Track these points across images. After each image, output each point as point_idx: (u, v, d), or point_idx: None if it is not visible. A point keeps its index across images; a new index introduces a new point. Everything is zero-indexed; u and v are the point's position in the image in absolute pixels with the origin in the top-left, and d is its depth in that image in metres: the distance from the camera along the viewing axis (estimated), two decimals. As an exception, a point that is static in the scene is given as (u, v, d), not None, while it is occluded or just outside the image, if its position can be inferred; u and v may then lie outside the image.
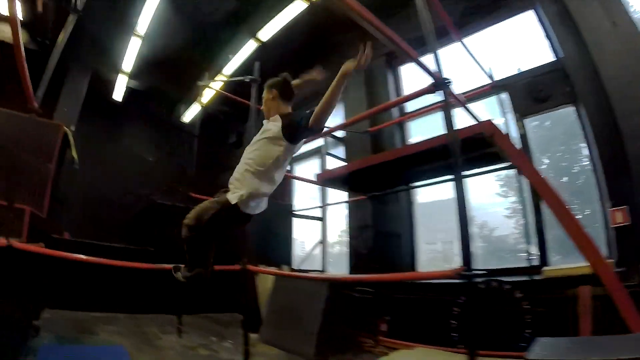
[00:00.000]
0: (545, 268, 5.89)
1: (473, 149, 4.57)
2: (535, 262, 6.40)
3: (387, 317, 7.00)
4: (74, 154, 8.27)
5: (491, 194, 7.76)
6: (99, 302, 7.96)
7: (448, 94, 3.51)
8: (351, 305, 6.93)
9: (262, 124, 4.00)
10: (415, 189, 7.87)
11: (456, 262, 7.55)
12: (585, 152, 6.51)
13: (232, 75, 9.92)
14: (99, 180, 11.86)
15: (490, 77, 7.00)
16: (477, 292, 5.29)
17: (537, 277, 5.81)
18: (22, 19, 9.65)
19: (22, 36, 9.27)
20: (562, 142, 7.04)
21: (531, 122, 7.04)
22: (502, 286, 5.55)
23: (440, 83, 3.33)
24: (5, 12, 9.19)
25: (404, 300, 6.75)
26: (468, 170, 5.96)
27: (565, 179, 7.06)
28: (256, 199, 3.73)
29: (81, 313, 7.62)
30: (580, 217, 6.41)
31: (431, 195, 8.36)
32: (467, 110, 4.19)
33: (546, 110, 6.82)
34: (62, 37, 5.12)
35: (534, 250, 6.45)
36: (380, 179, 6.54)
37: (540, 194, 3.94)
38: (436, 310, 6.22)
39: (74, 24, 5.30)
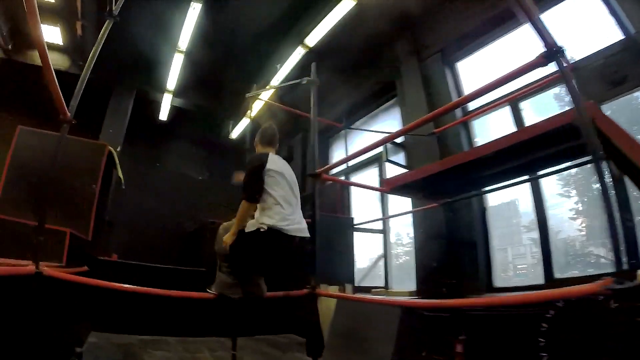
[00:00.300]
0: None
1: (562, 141, 3.86)
2: (625, 267, 5.55)
3: (463, 336, 6.25)
4: (120, 174, 7.91)
5: (550, 195, 6.80)
6: (147, 324, 7.60)
7: (563, 63, 2.67)
8: (424, 325, 6.23)
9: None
10: (487, 194, 7.12)
11: (511, 270, 7.06)
12: None
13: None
14: (147, 201, 11.61)
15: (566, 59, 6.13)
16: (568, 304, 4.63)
17: (631, 284, 4.98)
18: (62, 44, 9.91)
19: (64, 61, 9.32)
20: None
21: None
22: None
23: (553, 52, 2.57)
24: (48, 39, 9.37)
25: (481, 317, 5.98)
26: (546, 167, 5.45)
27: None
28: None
29: (129, 337, 7.25)
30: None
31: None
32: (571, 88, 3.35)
33: (625, 93, 5.86)
34: (95, 50, 4.68)
35: (616, 252, 5.60)
36: (454, 184, 5.85)
37: None
38: (519, 326, 5.45)
39: (107, 32, 4.87)
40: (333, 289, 7.43)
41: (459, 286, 6.77)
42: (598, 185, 6.03)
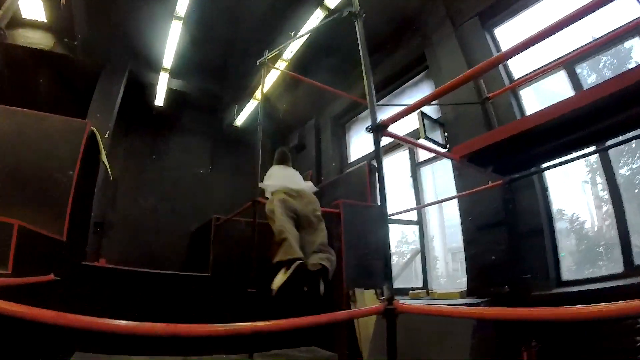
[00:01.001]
0: None
1: None
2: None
3: (534, 343, 5.01)
4: (105, 160, 6.68)
5: (574, 183, 6.13)
6: (143, 343, 6.07)
7: None
8: (493, 333, 4.95)
9: None
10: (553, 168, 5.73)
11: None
12: None
13: (296, 56, 8.29)
14: (144, 199, 10.79)
15: None
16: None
17: None
18: (45, 21, 8.90)
19: (48, 40, 8.28)
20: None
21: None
22: None
23: None
24: (31, 16, 8.78)
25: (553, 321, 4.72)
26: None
27: None
28: None
29: (120, 357, 5.98)
30: None
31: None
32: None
33: None
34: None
35: None
36: (525, 156, 4.80)
37: None
38: (601, 332, 4.46)
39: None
40: (369, 294, 6.14)
41: (524, 283, 5.56)
42: (624, 170, 5.57)
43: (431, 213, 8.04)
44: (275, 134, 13.30)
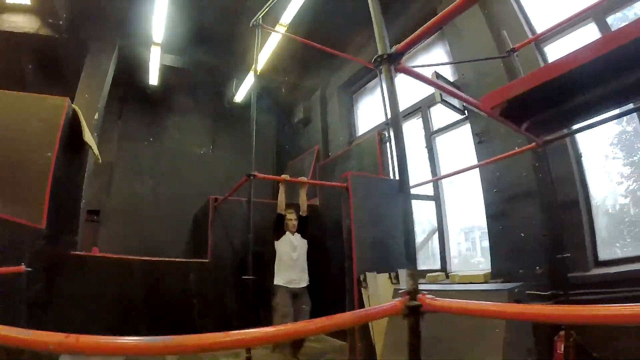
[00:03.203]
0: None
1: None
2: None
3: (570, 332, 4.47)
4: (89, 140, 6.11)
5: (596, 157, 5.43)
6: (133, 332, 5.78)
7: None
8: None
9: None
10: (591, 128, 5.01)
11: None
12: None
13: (296, 18, 7.69)
14: (142, 184, 10.54)
15: None
16: None
17: None
18: (29, 4, 8.46)
19: (32, 23, 7.80)
20: None
21: None
22: None
23: None
24: (14, 0, 8.35)
25: (595, 302, 4.36)
26: None
27: None
28: None
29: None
30: None
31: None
32: None
33: None
34: None
35: None
36: (568, 105, 3.90)
37: None
38: None
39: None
40: (382, 279, 5.51)
41: (558, 263, 4.90)
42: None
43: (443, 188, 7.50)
44: (280, 108, 12.77)
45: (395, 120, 2.48)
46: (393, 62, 2.45)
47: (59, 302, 5.32)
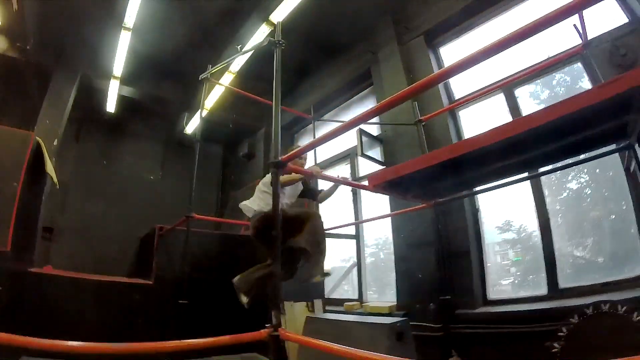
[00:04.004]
0: None
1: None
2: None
3: (455, 356, 5.36)
4: (50, 170, 6.72)
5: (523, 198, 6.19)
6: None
7: None
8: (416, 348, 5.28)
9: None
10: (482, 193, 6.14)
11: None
12: None
13: (244, 69, 8.44)
14: (93, 204, 10.85)
15: (583, 33, 5.34)
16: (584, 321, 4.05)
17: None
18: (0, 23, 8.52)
19: (2, 43, 8.15)
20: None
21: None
22: (615, 309, 4.03)
23: None
24: None
25: (479, 336, 5.37)
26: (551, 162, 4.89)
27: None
28: None
29: None
30: None
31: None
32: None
33: None
34: None
35: None
36: (450, 181, 4.92)
37: None
38: (523, 347, 4.81)
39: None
40: (299, 307, 6.38)
41: (450, 300, 5.82)
42: (572, 184, 5.93)
43: (366, 227, 8.34)
44: (227, 142, 13.49)
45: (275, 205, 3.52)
46: (280, 167, 3.51)
47: (20, 317, 5.59)
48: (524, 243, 6.24)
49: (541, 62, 6.09)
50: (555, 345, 4.21)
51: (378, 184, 4.63)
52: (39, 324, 5.89)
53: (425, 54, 7.85)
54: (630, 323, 3.81)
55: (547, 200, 5.94)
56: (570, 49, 5.61)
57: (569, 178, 5.91)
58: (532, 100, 6.49)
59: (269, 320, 3.18)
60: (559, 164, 4.95)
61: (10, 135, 5.93)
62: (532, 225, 6.02)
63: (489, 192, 5.75)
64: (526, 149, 3.86)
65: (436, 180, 4.75)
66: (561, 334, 4.19)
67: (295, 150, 3.86)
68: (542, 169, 5.27)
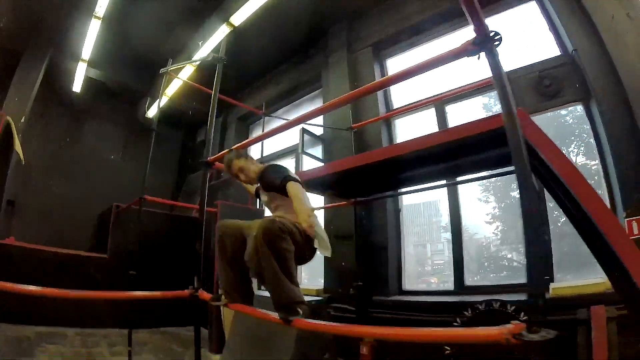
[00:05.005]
0: (553, 285, 5.04)
1: (485, 148, 3.73)
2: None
3: (371, 340, 6.11)
4: (18, 148, 7.33)
5: (470, 200, 6.89)
6: (45, 314, 7.15)
7: (497, 55, 2.24)
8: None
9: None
10: (401, 195, 7.14)
11: (429, 266, 7.49)
12: (573, 157, 5.99)
13: (201, 64, 9.01)
14: (56, 181, 11.28)
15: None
16: (477, 315, 4.66)
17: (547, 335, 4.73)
18: None
19: None
20: (562, 144, 6.13)
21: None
22: (505, 308, 4.65)
23: (486, 39, 2.20)
24: None
25: (390, 320, 5.97)
26: (466, 173, 5.49)
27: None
28: None
29: (24, 329, 6.88)
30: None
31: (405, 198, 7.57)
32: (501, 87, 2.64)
33: (554, 108, 6.00)
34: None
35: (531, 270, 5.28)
36: (368, 183, 5.59)
37: (583, 200, 3.01)
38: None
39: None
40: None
41: (367, 288, 6.62)
42: (516, 193, 6.21)
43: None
44: (187, 128, 14.19)
45: (202, 203, 4.32)
46: (208, 167, 4.32)
47: None
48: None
49: (464, 85, 6.73)
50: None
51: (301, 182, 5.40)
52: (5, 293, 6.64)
53: (370, 65, 8.49)
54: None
55: (494, 205, 6.75)
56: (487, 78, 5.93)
57: (513, 187, 6.46)
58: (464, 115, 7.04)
59: (193, 284, 4.00)
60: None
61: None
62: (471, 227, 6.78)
63: (406, 194, 6.78)
64: (418, 164, 4.48)
65: (352, 182, 5.44)
66: (455, 324, 4.84)
67: (225, 151, 4.17)
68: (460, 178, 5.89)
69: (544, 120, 5.99)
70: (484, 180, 6.52)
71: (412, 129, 7.78)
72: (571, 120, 6.10)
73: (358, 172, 4.66)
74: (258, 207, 8.65)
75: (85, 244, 10.25)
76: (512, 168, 4.40)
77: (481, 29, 2.20)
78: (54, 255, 7.91)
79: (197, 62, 7.79)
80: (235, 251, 3.49)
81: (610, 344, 3.93)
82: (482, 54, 2.23)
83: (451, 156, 4.06)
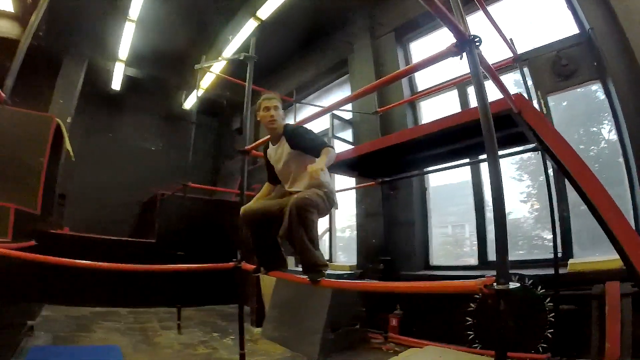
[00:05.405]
0: (571, 261, 5.24)
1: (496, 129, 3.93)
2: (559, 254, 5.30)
3: (398, 312, 6.66)
4: (68, 146, 7.92)
5: (505, 178, 6.89)
6: (100, 296, 7.96)
7: (476, 56, 2.47)
8: (359, 300, 6.59)
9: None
10: (429, 174, 7.31)
11: (467, 246, 7.28)
12: (605, 134, 5.92)
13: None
14: (100, 173, 11.81)
15: (513, 49, 5.80)
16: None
17: (561, 271, 5.04)
18: (13, 11, 9.45)
19: (15, 29, 8.97)
20: (580, 123, 6.26)
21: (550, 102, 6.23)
22: (523, 281, 5.03)
23: (465, 41, 2.45)
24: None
25: (415, 294, 6.18)
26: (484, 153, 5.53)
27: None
28: None
29: (82, 309, 7.61)
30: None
31: (440, 178, 7.72)
32: (496, 80, 3.07)
33: (572, 87, 6.02)
34: (34, 18, 4.72)
35: (556, 240, 5.28)
36: (392, 163, 5.86)
37: (578, 179, 3.27)
38: (450, 305, 5.81)
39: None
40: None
41: (394, 263, 7.08)
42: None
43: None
44: (222, 116, 14.79)
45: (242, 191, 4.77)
46: (246, 154, 4.92)
47: (46, 271, 6.71)
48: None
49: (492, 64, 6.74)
50: (472, 305, 5.47)
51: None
52: (61, 276, 7.20)
53: (393, 50, 8.64)
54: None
55: (528, 183, 6.77)
56: (505, 59, 6.06)
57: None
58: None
59: (236, 257, 4.50)
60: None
61: (36, 118, 7.07)
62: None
63: (429, 174, 7.09)
64: (445, 142, 4.63)
65: (375, 163, 5.71)
66: (477, 296, 5.29)
67: (261, 140, 4.61)
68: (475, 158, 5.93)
69: (574, 97, 6.14)
70: (518, 158, 6.66)
71: (436, 110, 7.91)
72: (603, 96, 5.85)
73: (379, 154, 4.98)
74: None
75: (127, 230, 11.02)
76: (521, 148, 4.85)
77: (460, 34, 2.45)
78: (106, 241, 8.54)
79: (229, 59, 8.17)
80: (259, 227, 3.85)
81: (623, 319, 4.11)
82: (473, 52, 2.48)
83: (468, 136, 4.14)
